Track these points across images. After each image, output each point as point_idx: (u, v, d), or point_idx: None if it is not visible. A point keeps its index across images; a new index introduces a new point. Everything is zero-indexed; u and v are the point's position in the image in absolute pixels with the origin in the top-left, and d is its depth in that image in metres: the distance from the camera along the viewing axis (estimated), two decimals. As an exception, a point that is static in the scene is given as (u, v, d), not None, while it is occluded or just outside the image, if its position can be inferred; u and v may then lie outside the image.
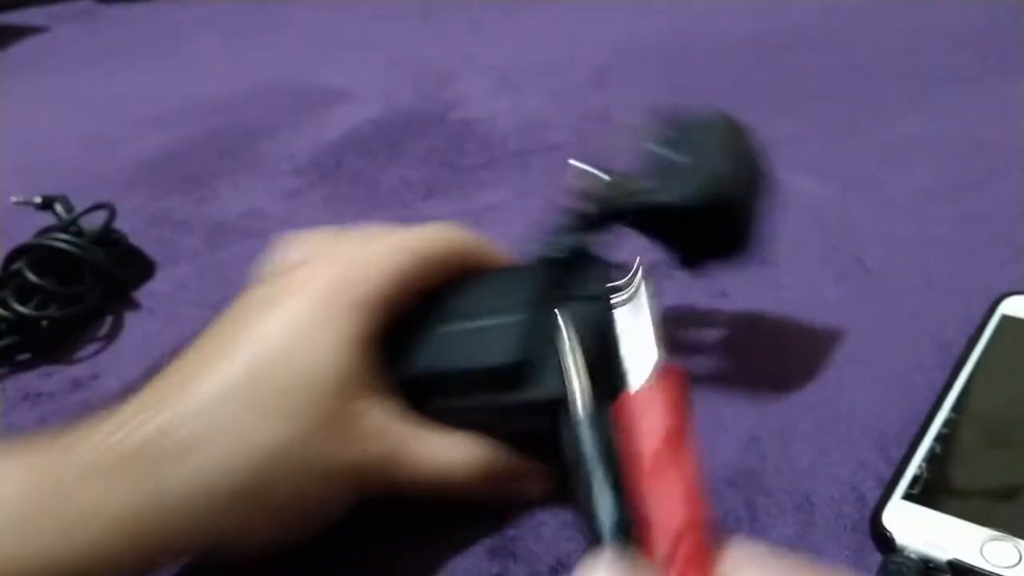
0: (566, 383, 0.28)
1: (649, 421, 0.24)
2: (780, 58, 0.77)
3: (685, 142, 0.33)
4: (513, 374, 0.30)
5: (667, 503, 0.23)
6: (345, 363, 0.28)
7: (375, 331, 0.30)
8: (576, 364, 0.28)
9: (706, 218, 0.32)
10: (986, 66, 0.69)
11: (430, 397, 0.31)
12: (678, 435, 0.24)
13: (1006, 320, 0.40)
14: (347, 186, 0.65)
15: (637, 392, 0.25)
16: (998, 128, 0.59)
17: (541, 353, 0.30)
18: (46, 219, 0.56)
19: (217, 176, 0.69)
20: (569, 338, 0.29)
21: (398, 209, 0.61)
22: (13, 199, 0.59)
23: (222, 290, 0.54)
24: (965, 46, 0.73)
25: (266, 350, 0.28)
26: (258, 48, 1.05)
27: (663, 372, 0.26)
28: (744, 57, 0.78)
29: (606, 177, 0.33)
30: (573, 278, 0.32)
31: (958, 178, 0.54)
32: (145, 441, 0.26)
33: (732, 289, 0.46)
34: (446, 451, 0.30)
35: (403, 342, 0.32)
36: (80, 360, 0.49)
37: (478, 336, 0.31)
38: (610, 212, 0.32)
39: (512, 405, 0.30)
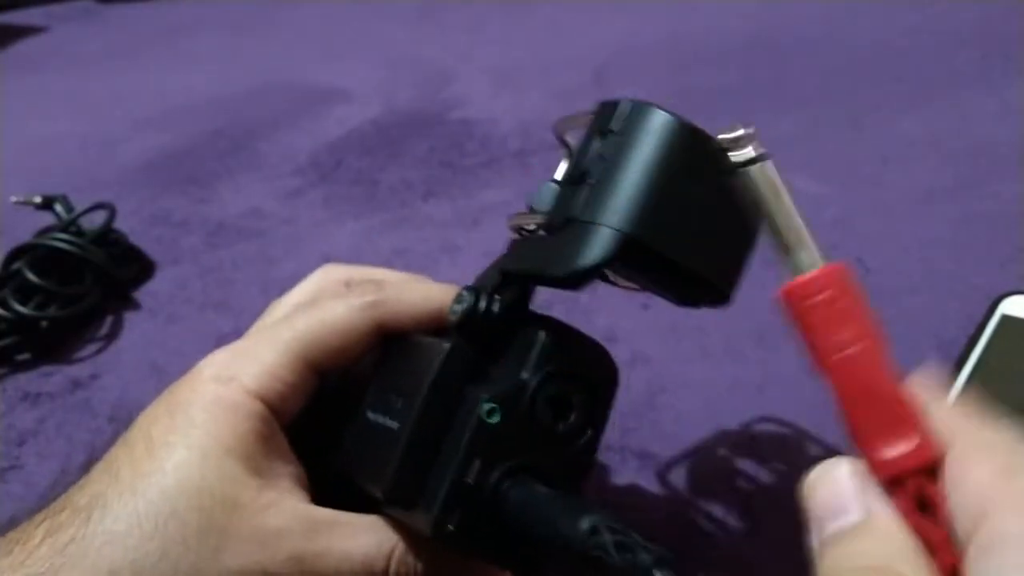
0: None
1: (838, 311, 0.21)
2: (780, 58, 0.77)
3: (604, 170, 0.25)
4: (392, 500, 0.26)
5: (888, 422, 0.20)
6: (216, 474, 0.26)
7: (268, 427, 0.28)
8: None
9: (640, 269, 0.26)
10: (986, 66, 0.69)
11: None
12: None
13: (1006, 320, 0.40)
14: (347, 186, 0.65)
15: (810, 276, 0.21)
16: (998, 128, 0.59)
17: (429, 457, 0.26)
18: (46, 219, 0.56)
19: (217, 176, 0.69)
20: None
21: (398, 209, 0.61)
22: (13, 199, 0.59)
23: (222, 290, 0.54)
24: (965, 46, 0.73)
25: (149, 472, 0.26)
26: (258, 48, 1.05)
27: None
28: (744, 57, 0.78)
29: (532, 225, 0.28)
30: (497, 342, 0.27)
31: (958, 178, 0.54)
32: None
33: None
34: (359, 541, 0.27)
35: (332, 429, 0.30)
36: (80, 360, 0.49)
37: (370, 441, 0.28)
38: (520, 278, 0.28)
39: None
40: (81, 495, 0.26)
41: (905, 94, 0.66)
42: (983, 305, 0.41)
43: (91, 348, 0.50)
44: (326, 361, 0.29)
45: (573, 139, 0.28)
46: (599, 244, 0.24)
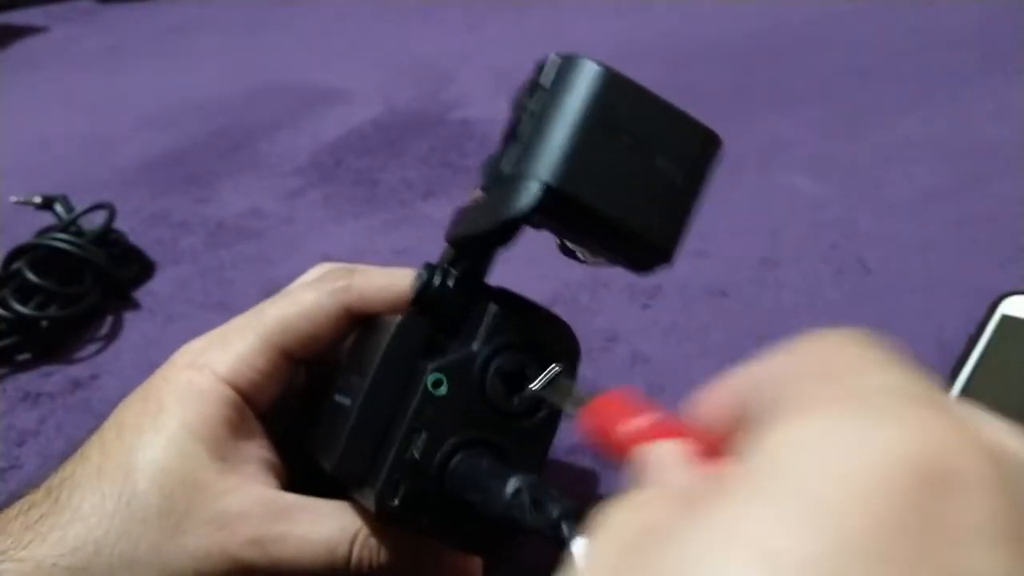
0: None
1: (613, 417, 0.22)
2: (780, 58, 0.77)
3: (532, 125, 0.25)
4: (342, 476, 0.26)
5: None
6: (180, 456, 0.27)
7: (238, 413, 0.28)
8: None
9: (560, 221, 0.25)
10: (986, 66, 0.69)
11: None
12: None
13: (1006, 320, 0.40)
14: (347, 186, 0.65)
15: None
16: (998, 128, 0.59)
17: (380, 432, 0.26)
18: (46, 219, 0.56)
19: (217, 176, 0.69)
20: None
21: (398, 209, 0.61)
22: (13, 199, 0.59)
23: (222, 290, 0.54)
24: (965, 46, 0.73)
25: (129, 463, 0.27)
26: (258, 48, 1.05)
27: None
28: (744, 57, 0.78)
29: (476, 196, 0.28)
30: (455, 316, 0.27)
31: (958, 178, 0.54)
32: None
33: (732, 289, 0.46)
34: (322, 525, 0.27)
35: (308, 414, 0.30)
36: (80, 360, 0.49)
37: (331, 421, 0.28)
38: (457, 242, 0.28)
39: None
40: (56, 477, 0.27)
41: (905, 94, 0.66)
42: (983, 305, 0.41)
43: (91, 348, 0.50)
44: (298, 347, 0.29)
45: None
46: (523, 196, 0.23)
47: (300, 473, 0.29)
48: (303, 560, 0.27)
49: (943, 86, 0.67)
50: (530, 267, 0.37)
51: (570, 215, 0.24)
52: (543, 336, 0.27)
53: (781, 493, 0.13)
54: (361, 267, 0.31)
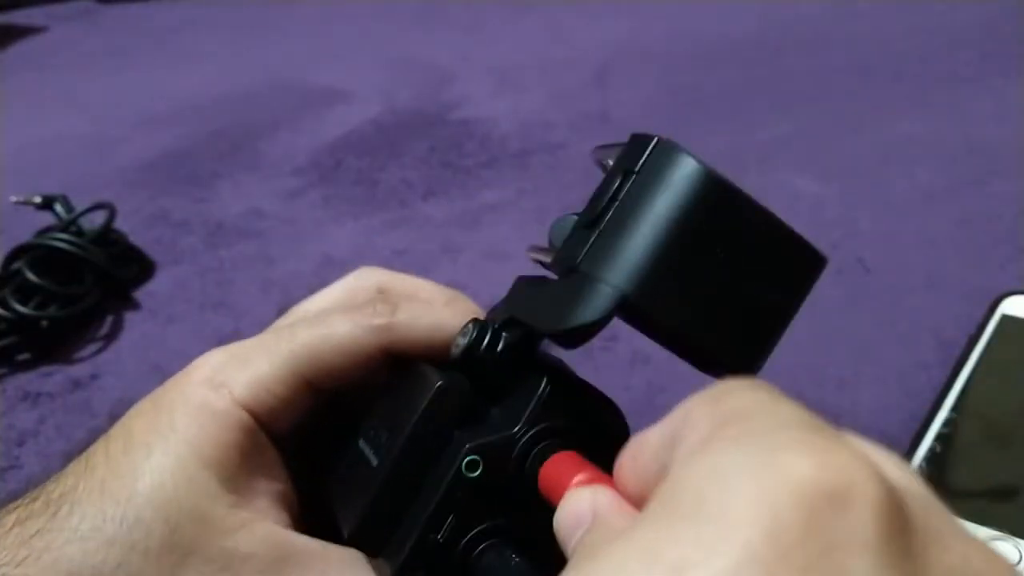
0: None
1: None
2: (780, 58, 0.77)
3: (616, 217, 0.22)
4: (358, 544, 0.25)
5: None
6: (188, 486, 0.25)
7: (253, 440, 0.27)
8: None
9: (640, 329, 0.23)
10: (986, 66, 0.69)
11: None
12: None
13: (1006, 320, 0.40)
14: (347, 186, 0.65)
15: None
16: (998, 128, 0.59)
17: (405, 502, 0.24)
18: (46, 219, 0.56)
19: (217, 176, 0.69)
20: None
21: (398, 209, 0.61)
22: (13, 199, 0.59)
23: (222, 290, 0.54)
24: (965, 46, 0.73)
25: (129, 486, 0.26)
26: (258, 48, 1.05)
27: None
28: (744, 57, 0.78)
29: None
30: (498, 382, 0.25)
31: (958, 178, 0.54)
32: None
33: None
34: (332, 568, 0.26)
35: (327, 451, 0.28)
36: (80, 360, 0.49)
37: (351, 472, 0.27)
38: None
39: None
40: (56, 486, 0.26)
41: (905, 94, 0.66)
42: (983, 305, 0.41)
43: (91, 348, 0.50)
44: (324, 379, 0.27)
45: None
46: (593, 303, 0.21)
47: (314, 503, 0.28)
48: None
49: (943, 86, 0.67)
50: (531, 267, 0.37)
51: (643, 326, 0.22)
52: (591, 419, 0.25)
53: (693, 514, 0.15)
54: (406, 287, 0.30)
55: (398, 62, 0.91)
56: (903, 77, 0.69)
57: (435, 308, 0.28)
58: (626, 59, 0.81)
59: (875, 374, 0.39)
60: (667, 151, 0.22)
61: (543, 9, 0.99)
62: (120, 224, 0.56)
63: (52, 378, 0.48)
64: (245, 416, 0.26)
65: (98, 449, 0.27)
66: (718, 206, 0.21)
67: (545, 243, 0.25)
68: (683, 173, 0.21)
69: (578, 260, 0.23)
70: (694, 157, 0.21)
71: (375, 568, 0.25)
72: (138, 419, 0.27)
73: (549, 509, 0.22)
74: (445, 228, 0.57)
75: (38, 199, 0.58)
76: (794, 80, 0.72)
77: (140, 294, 0.54)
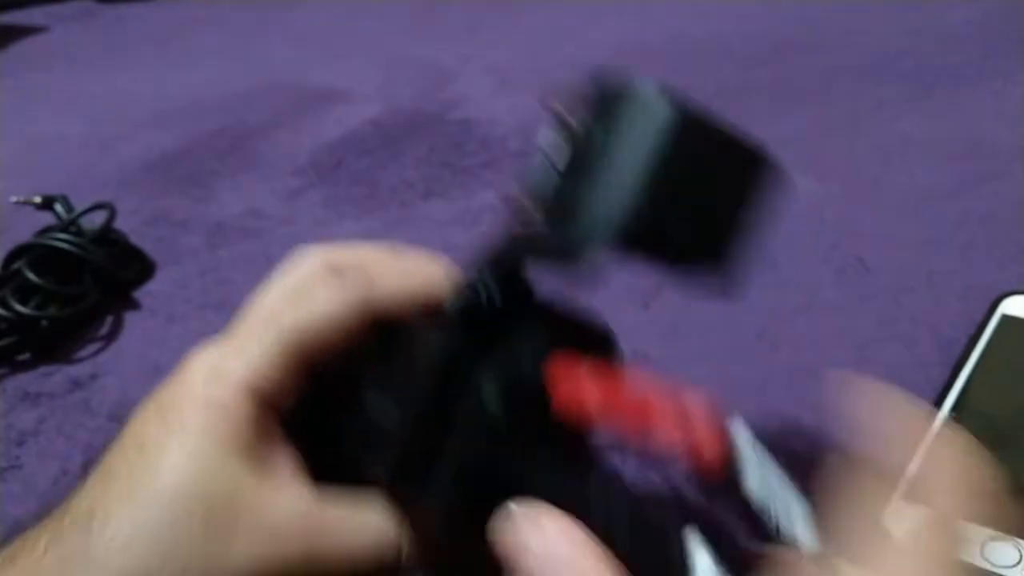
0: None
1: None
2: (780, 58, 0.77)
3: (602, 156, 0.25)
4: (396, 491, 0.27)
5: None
6: (213, 473, 0.26)
7: (263, 423, 0.28)
8: None
9: (634, 256, 0.25)
10: (986, 66, 0.69)
11: None
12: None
13: (1006, 320, 0.40)
14: (347, 186, 0.65)
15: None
16: (998, 128, 0.59)
17: (431, 445, 0.26)
18: (46, 219, 0.56)
19: (217, 176, 0.69)
20: None
21: (398, 209, 0.61)
22: (13, 199, 0.59)
23: (222, 290, 0.54)
24: (965, 46, 0.73)
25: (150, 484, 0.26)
26: (258, 48, 1.05)
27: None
28: (744, 57, 0.78)
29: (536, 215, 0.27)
30: (496, 330, 0.27)
31: (958, 178, 0.54)
32: None
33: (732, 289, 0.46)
34: (370, 523, 0.27)
35: (329, 418, 0.29)
36: (80, 360, 0.49)
37: (371, 431, 0.28)
38: (508, 254, 0.28)
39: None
40: (80, 503, 0.26)
41: (905, 94, 0.66)
42: (983, 305, 0.41)
43: (91, 348, 0.50)
44: (316, 355, 0.28)
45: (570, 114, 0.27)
46: (590, 237, 0.24)
47: (320, 476, 0.28)
48: (353, 560, 0.27)
49: (943, 86, 0.67)
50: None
51: (636, 252, 0.24)
52: (586, 339, 0.28)
53: None
54: (369, 257, 0.30)
55: (398, 62, 0.91)
56: (903, 77, 0.69)
57: (405, 267, 0.29)
58: (626, 59, 0.81)
59: (875, 374, 0.39)
60: (642, 92, 0.24)
61: (543, 9, 0.99)
62: (120, 224, 0.56)
63: (52, 378, 0.48)
64: (250, 401, 0.27)
65: (114, 458, 0.27)
66: (687, 133, 0.24)
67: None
68: (660, 113, 0.24)
69: (571, 201, 0.24)
70: (663, 89, 0.24)
71: (414, 510, 0.27)
72: (146, 423, 0.27)
73: (566, 425, 0.25)
74: (445, 228, 0.57)
75: (38, 199, 0.58)
76: (794, 80, 0.72)
77: (140, 294, 0.54)
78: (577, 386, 0.25)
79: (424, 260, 0.30)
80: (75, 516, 0.25)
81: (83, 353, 0.49)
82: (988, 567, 0.28)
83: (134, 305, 0.53)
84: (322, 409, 0.29)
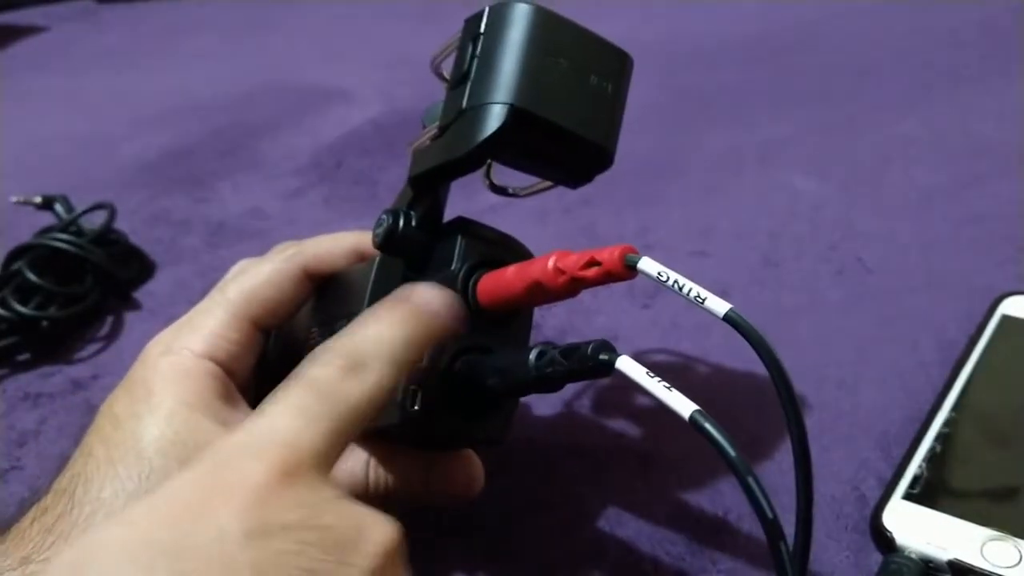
0: None
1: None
2: (780, 58, 0.77)
3: (481, 64, 0.28)
4: None
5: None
6: (186, 428, 0.27)
7: (224, 384, 0.30)
8: None
9: (523, 142, 0.28)
10: (986, 66, 0.69)
11: None
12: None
13: (1006, 320, 0.40)
14: (347, 186, 0.65)
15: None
16: (998, 128, 0.59)
17: None
18: (46, 219, 0.56)
19: (217, 176, 0.69)
20: None
21: (398, 209, 0.61)
22: (13, 199, 0.59)
23: (222, 290, 0.54)
24: (965, 46, 0.73)
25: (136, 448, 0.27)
26: (258, 48, 1.05)
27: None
28: (744, 57, 0.78)
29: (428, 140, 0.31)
30: (421, 255, 0.30)
31: (958, 178, 0.54)
32: None
33: (732, 289, 0.46)
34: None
35: (291, 363, 0.31)
36: (80, 360, 0.49)
37: None
38: (419, 180, 0.31)
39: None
40: (61, 479, 0.27)
41: (905, 94, 0.66)
42: (983, 305, 0.41)
43: (91, 348, 0.50)
44: (265, 315, 0.31)
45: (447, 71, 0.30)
46: (491, 118, 0.27)
47: None
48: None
49: (943, 86, 0.67)
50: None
51: (530, 132, 0.27)
52: (505, 250, 0.30)
53: None
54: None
55: (398, 62, 0.91)
56: (903, 77, 0.69)
57: (335, 235, 0.33)
58: (626, 59, 0.81)
59: (875, 374, 0.39)
60: (501, 7, 0.28)
61: (543, 9, 0.99)
62: (120, 224, 0.56)
63: (52, 378, 0.48)
64: (210, 364, 0.29)
65: (90, 439, 0.28)
66: (553, 28, 0.28)
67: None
68: (520, 13, 0.28)
69: (463, 105, 0.28)
70: (523, 1, 0.28)
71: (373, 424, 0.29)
72: (117, 402, 0.29)
73: (497, 324, 0.29)
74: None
75: (38, 199, 0.58)
76: (794, 80, 0.72)
77: (140, 294, 0.54)
78: (499, 278, 0.28)
79: (349, 231, 0.33)
80: (57, 490, 0.27)
81: (83, 353, 0.50)
82: (988, 567, 0.28)
83: (134, 305, 0.53)
84: (276, 369, 0.31)
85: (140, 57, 1.07)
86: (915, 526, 0.30)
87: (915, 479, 0.32)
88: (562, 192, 0.34)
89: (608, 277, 0.25)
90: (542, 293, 0.27)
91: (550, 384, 0.26)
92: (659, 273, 0.25)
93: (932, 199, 0.53)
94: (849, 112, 0.65)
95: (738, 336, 0.25)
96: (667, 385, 0.23)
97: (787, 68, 0.74)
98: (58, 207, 0.57)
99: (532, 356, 0.26)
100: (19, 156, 0.77)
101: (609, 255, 0.25)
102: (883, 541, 0.31)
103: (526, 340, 0.31)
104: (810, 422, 0.37)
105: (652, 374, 0.23)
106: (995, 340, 0.39)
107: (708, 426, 0.23)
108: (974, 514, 0.30)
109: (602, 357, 0.24)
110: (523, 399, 0.40)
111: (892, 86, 0.68)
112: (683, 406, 0.23)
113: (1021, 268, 0.45)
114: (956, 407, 0.35)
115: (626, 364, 0.24)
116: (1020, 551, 0.29)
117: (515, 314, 0.30)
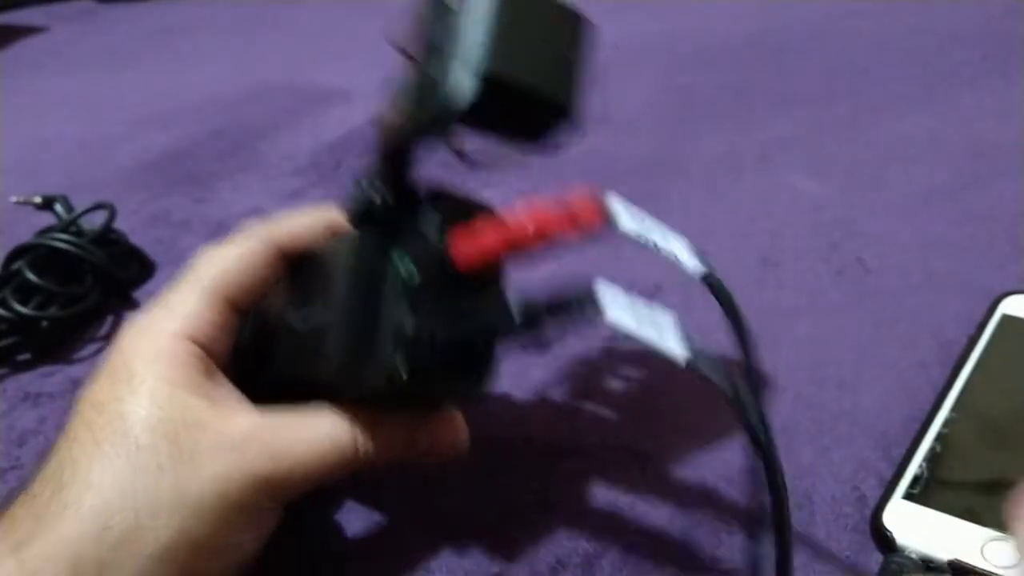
0: None
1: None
2: (780, 58, 0.77)
3: (452, 37, 0.29)
4: (344, 376, 0.29)
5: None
6: (170, 404, 0.28)
7: (204, 362, 0.30)
8: None
9: (495, 108, 0.29)
10: (986, 66, 0.69)
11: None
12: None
13: (1006, 320, 0.40)
14: (347, 186, 0.65)
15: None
16: (998, 128, 0.59)
17: (367, 331, 0.29)
18: (46, 219, 0.56)
19: (217, 176, 0.69)
20: None
21: (398, 209, 0.61)
22: (13, 199, 0.59)
23: (222, 290, 0.54)
24: (965, 46, 0.73)
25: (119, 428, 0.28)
26: (258, 48, 1.05)
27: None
28: (744, 57, 0.78)
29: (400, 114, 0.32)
30: (403, 220, 0.31)
31: (958, 178, 0.54)
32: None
33: (732, 288, 0.46)
34: (323, 426, 0.29)
35: (268, 342, 0.32)
36: (80, 360, 0.49)
37: (307, 341, 0.30)
38: (390, 152, 0.32)
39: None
40: (48, 466, 0.27)
41: (905, 94, 0.66)
42: (983, 305, 0.41)
43: (91, 348, 0.50)
44: (239, 292, 0.31)
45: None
46: (463, 85, 0.28)
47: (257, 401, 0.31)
48: (314, 460, 0.28)
49: (943, 86, 0.67)
50: (532, 269, 0.37)
51: (502, 98, 0.28)
52: (474, 212, 0.31)
53: None
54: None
55: (398, 62, 0.91)
56: (903, 77, 0.69)
57: (305, 212, 0.34)
58: (624, 58, 0.81)
59: (875, 374, 0.40)
60: None
61: (543, 9, 0.99)
62: (120, 224, 0.56)
63: (53, 378, 0.48)
64: (188, 343, 0.30)
65: (74, 423, 0.28)
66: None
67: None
68: None
69: (432, 75, 0.29)
70: None
71: (361, 392, 0.29)
72: (98, 389, 0.29)
73: (473, 274, 0.29)
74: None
75: (38, 199, 0.58)
76: (794, 80, 0.72)
77: (140, 294, 0.54)
78: (473, 239, 0.29)
79: (324, 206, 0.33)
80: (44, 477, 0.27)
81: (84, 353, 0.50)
82: (988, 567, 0.28)
83: (134, 305, 0.53)
84: (253, 347, 0.32)
85: (140, 57, 1.08)
86: (915, 526, 0.30)
87: (915, 479, 0.32)
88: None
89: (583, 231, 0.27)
90: (519, 252, 0.28)
91: (533, 322, 0.27)
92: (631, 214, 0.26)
93: (932, 199, 0.53)
94: (849, 112, 0.65)
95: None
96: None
97: (787, 68, 0.74)
98: (58, 207, 0.57)
99: (514, 311, 0.27)
100: (19, 156, 0.77)
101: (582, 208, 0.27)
102: (883, 541, 0.31)
103: (504, 302, 0.31)
104: (810, 422, 0.37)
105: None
106: (995, 340, 0.39)
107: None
108: (974, 514, 0.30)
109: (593, 293, 0.26)
110: (523, 399, 0.40)
111: (892, 86, 0.68)
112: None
113: (1021, 268, 0.45)
114: (956, 407, 0.35)
115: (603, 285, 0.25)
116: (1020, 551, 0.29)
117: (493, 279, 0.31)
